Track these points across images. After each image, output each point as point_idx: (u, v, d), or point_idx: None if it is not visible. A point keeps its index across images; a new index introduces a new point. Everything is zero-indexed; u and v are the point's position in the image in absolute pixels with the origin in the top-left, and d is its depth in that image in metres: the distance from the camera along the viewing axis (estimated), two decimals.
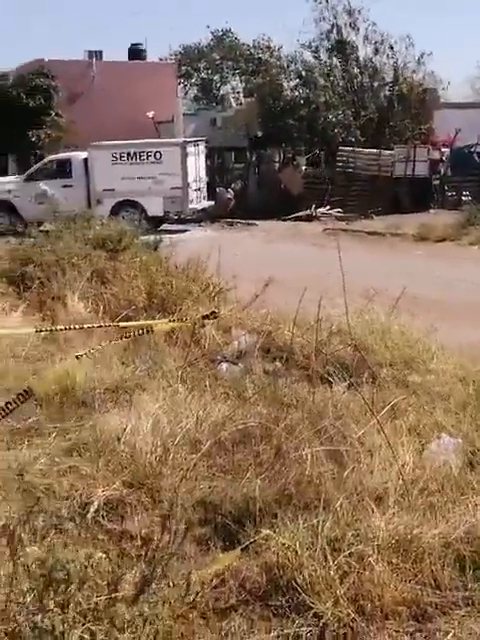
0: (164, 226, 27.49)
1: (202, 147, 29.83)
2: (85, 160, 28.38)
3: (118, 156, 28.17)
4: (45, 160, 29.45)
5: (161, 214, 28.23)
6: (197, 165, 29.17)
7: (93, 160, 28.22)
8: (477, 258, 21.29)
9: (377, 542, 4.85)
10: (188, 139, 29.91)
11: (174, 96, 40.37)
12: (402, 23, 77.10)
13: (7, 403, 5.52)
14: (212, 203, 30.70)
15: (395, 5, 77.66)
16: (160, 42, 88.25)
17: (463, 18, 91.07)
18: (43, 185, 27.18)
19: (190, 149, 28.50)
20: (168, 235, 21.48)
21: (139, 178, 27.77)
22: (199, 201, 29.61)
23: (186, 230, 28.18)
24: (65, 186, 27.49)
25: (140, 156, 28.15)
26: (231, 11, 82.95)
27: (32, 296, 11.63)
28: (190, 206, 28.76)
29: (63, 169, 28.42)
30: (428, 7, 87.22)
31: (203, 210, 30.04)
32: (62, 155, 29.31)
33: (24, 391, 5.56)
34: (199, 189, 29.47)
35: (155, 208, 27.88)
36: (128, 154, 28.17)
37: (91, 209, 25.81)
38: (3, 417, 5.51)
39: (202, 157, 29.78)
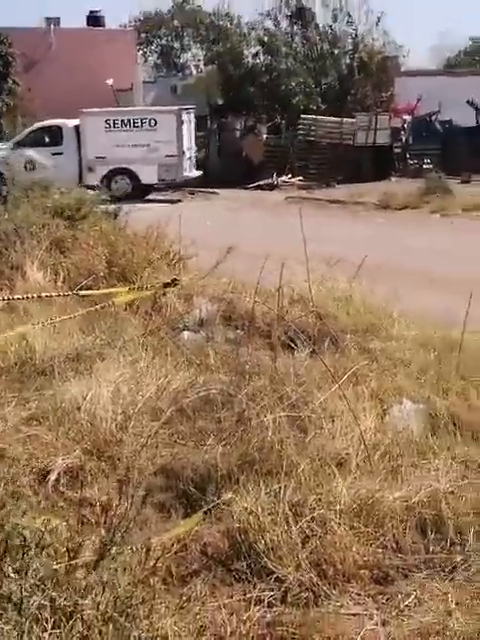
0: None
1: (193, 115, 29.30)
2: (76, 127, 27.61)
3: (111, 123, 27.49)
4: (33, 127, 28.28)
5: (155, 182, 27.94)
6: (189, 133, 28.76)
7: (85, 127, 27.47)
8: (438, 226, 21.36)
9: (339, 506, 4.87)
10: (182, 107, 29.12)
11: (133, 64, 39.96)
12: None
13: None
14: (201, 172, 30.16)
15: None
16: (120, 8, 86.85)
17: None
18: (32, 152, 26.49)
19: (184, 117, 28.05)
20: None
21: (133, 145, 27.20)
22: (191, 170, 29.18)
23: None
24: (55, 154, 26.90)
25: (134, 123, 27.50)
26: None
27: None
28: (183, 174, 28.30)
29: (53, 136, 27.60)
30: None
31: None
32: (52, 121, 28.13)
33: None
34: (191, 158, 29.09)
35: (149, 176, 27.47)
36: (122, 121, 27.51)
37: (82, 177, 25.52)
38: None
39: (192, 125, 29.26)
